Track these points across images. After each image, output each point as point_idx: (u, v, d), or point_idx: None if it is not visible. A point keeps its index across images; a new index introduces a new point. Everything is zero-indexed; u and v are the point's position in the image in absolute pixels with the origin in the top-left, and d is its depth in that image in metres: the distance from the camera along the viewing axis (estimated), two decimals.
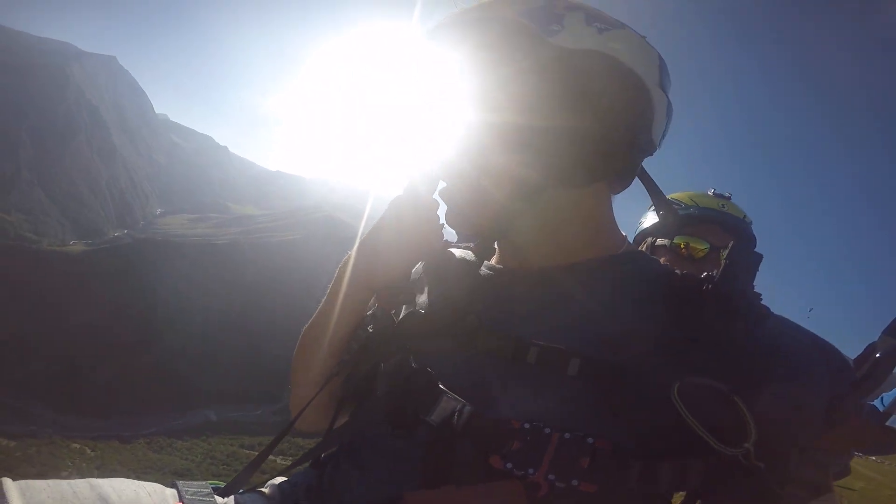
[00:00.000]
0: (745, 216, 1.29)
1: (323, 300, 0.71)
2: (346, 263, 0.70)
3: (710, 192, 1.34)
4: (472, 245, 0.70)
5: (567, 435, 0.47)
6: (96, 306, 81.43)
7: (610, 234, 0.63)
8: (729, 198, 1.32)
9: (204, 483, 0.64)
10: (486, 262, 0.66)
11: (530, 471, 0.47)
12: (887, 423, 0.91)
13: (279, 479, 0.73)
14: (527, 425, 0.48)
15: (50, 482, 0.53)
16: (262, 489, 0.71)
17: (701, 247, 1.21)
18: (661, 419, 0.48)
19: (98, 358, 76.09)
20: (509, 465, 0.48)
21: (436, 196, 0.67)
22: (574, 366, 0.51)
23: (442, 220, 0.67)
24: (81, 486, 0.54)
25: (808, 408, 0.50)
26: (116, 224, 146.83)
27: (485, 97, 0.58)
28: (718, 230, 1.23)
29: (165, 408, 69.76)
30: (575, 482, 0.46)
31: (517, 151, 0.57)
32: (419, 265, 0.73)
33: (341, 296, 0.69)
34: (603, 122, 0.55)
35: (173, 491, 0.63)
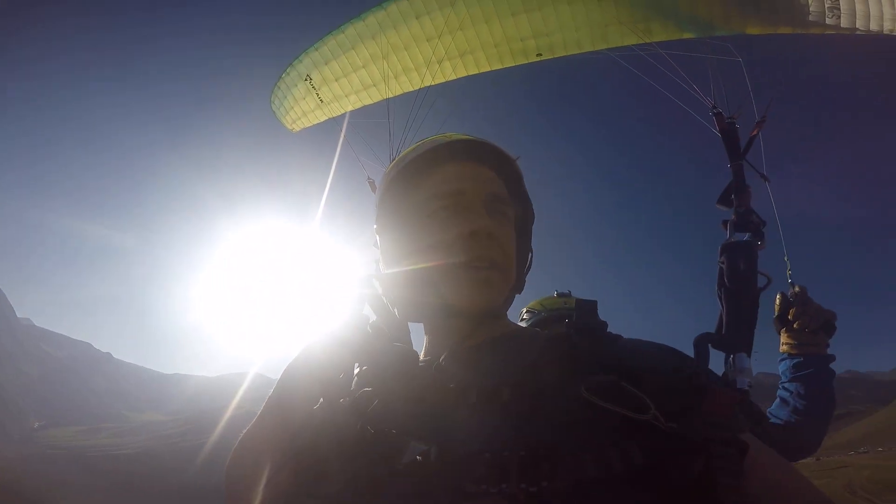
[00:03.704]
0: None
1: (264, 405, 0.73)
2: (293, 363, 0.74)
3: (555, 294, 1.72)
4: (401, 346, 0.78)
5: (522, 452, 0.56)
6: None
7: (510, 321, 0.86)
8: (569, 294, 1.73)
9: None
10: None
11: (503, 486, 0.54)
12: (738, 387, 1.42)
13: None
14: (487, 454, 0.57)
15: None
16: None
17: None
18: (585, 416, 0.58)
19: None
20: (484, 486, 0.55)
21: (365, 311, 0.79)
22: (505, 393, 0.63)
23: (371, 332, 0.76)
24: None
25: (677, 387, 0.62)
26: None
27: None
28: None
29: None
30: (545, 483, 0.54)
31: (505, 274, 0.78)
32: (359, 367, 0.78)
33: (291, 389, 0.72)
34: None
35: None
